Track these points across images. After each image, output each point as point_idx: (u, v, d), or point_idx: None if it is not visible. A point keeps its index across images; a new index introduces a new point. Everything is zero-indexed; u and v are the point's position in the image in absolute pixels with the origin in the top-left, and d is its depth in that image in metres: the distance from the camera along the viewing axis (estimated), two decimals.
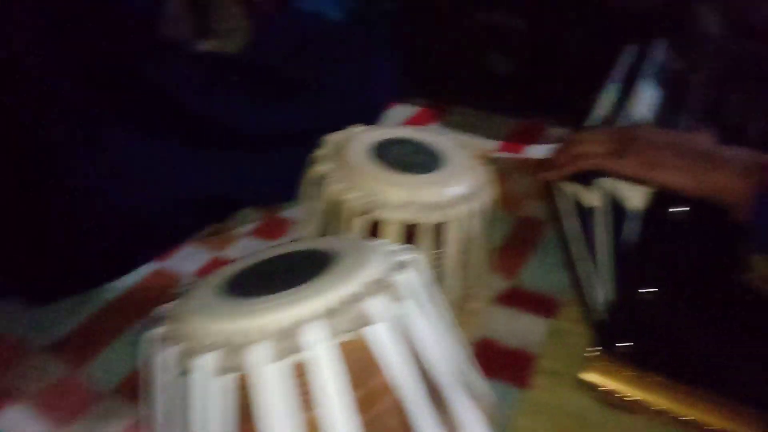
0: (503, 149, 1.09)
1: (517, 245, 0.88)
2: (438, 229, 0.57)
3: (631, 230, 0.58)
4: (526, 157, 1.06)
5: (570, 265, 0.74)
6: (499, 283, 0.80)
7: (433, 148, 0.61)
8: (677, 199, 0.54)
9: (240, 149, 0.85)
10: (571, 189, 0.67)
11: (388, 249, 0.44)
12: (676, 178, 0.53)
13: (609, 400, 0.64)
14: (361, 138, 0.60)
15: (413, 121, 1.16)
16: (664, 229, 0.55)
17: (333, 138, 0.61)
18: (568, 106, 1.13)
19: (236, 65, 0.86)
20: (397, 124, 1.14)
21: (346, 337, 0.36)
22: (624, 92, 0.73)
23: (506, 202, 0.98)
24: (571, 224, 0.69)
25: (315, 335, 0.35)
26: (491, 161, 0.65)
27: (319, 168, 0.58)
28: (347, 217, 0.55)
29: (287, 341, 0.35)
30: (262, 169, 0.85)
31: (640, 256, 0.58)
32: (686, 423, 0.59)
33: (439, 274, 0.59)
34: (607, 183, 0.58)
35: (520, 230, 0.91)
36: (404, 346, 0.39)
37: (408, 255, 0.43)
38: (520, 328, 0.73)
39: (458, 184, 0.58)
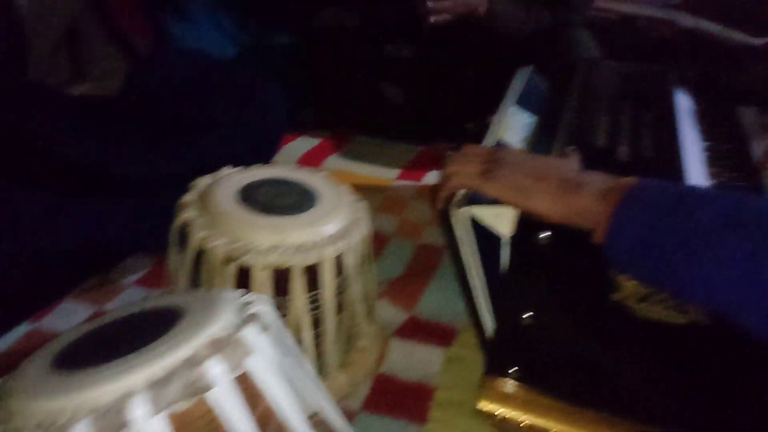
0: (403, 177, 1.09)
1: (417, 274, 0.87)
2: (312, 271, 0.55)
3: (506, 256, 0.58)
4: (424, 184, 1.07)
5: (466, 291, 0.74)
6: (398, 316, 0.79)
7: (306, 187, 0.60)
8: (541, 224, 0.54)
9: (121, 195, 0.81)
10: (463, 214, 0.67)
11: (241, 301, 0.42)
12: (538, 204, 0.53)
13: (506, 426, 0.63)
14: (228, 181, 0.58)
15: (314, 153, 1.16)
16: (531, 254, 0.56)
17: (199, 183, 0.59)
18: (465, 131, 1.15)
19: (113, 108, 0.82)
20: (297, 156, 1.13)
21: (180, 406, 0.34)
22: (498, 116, 0.73)
23: (406, 230, 0.98)
24: (466, 250, 0.69)
25: (140, 409, 0.32)
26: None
27: (183, 215, 0.55)
28: (213, 265, 0.53)
29: (111, 418, 0.32)
30: (147, 214, 0.82)
31: (512, 282, 0.58)
32: None
33: (317, 316, 0.57)
34: (474, 209, 0.58)
35: (420, 258, 0.91)
36: (251, 402, 0.37)
37: (261, 306, 0.41)
38: (419, 361, 0.73)
39: (331, 222, 0.56)
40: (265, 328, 0.39)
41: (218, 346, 0.36)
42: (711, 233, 0.45)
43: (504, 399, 0.64)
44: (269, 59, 1.14)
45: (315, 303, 0.56)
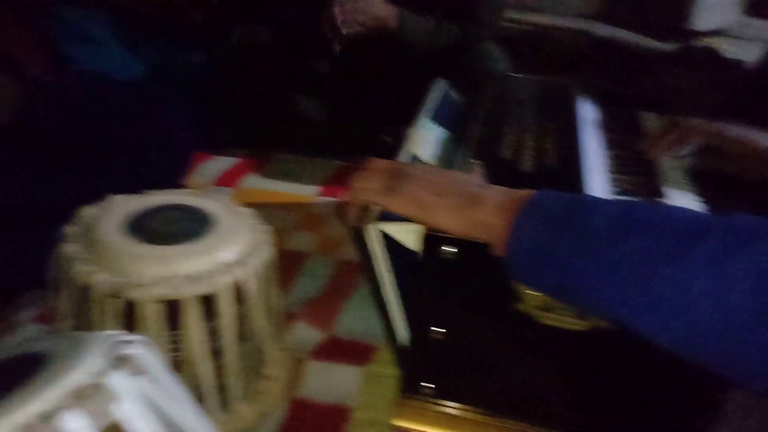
0: (323, 194, 1.08)
1: (336, 292, 0.86)
2: (209, 301, 0.52)
3: (416, 271, 0.57)
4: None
5: (380, 308, 0.73)
6: (315, 337, 0.77)
7: (203, 212, 0.57)
8: (446, 238, 0.54)
9: (14, 227, 0.75)
10: (376, 230, 0.66)
11: (112, 342, 0.39)
12: (440, 219, 0.52)
13: None
14: (116, 210, 0.55)
15: (231, 172, 1.12)
16: (438, 268, 0.55)
17: (86, 212, 0.55)
18: (382, 144, 1.15)
19: (2, 137, 0.77)
20: (213, 176, 1.10)
21: None
22: (411, 131, 0.73)
23: (327, 247, 0.96)
24: (379, 266, 0.68)
25: None
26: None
27: (65, 249, 0.52)
28: (98, 302, 0.49)
29: None
30: (43, 247, 0.76)
31: (421, 297, 0.58)
32: None
33: (217, 348, 0.54)
34: (385, 225, 0.57)
35: (340, 275, 0.89)
36: None
37: (134, 347, 0.38)
38: (336, 382, 0.71)
39: (227, 249, 0.54)
40: (137, 371, 0.36)
41: (79, 396, 0.33)
42: (601, 240, 0.45)
43: (420, 415, 0.63)
44: (181, 78, 1.10)
45: (215, 334, 0.54)
